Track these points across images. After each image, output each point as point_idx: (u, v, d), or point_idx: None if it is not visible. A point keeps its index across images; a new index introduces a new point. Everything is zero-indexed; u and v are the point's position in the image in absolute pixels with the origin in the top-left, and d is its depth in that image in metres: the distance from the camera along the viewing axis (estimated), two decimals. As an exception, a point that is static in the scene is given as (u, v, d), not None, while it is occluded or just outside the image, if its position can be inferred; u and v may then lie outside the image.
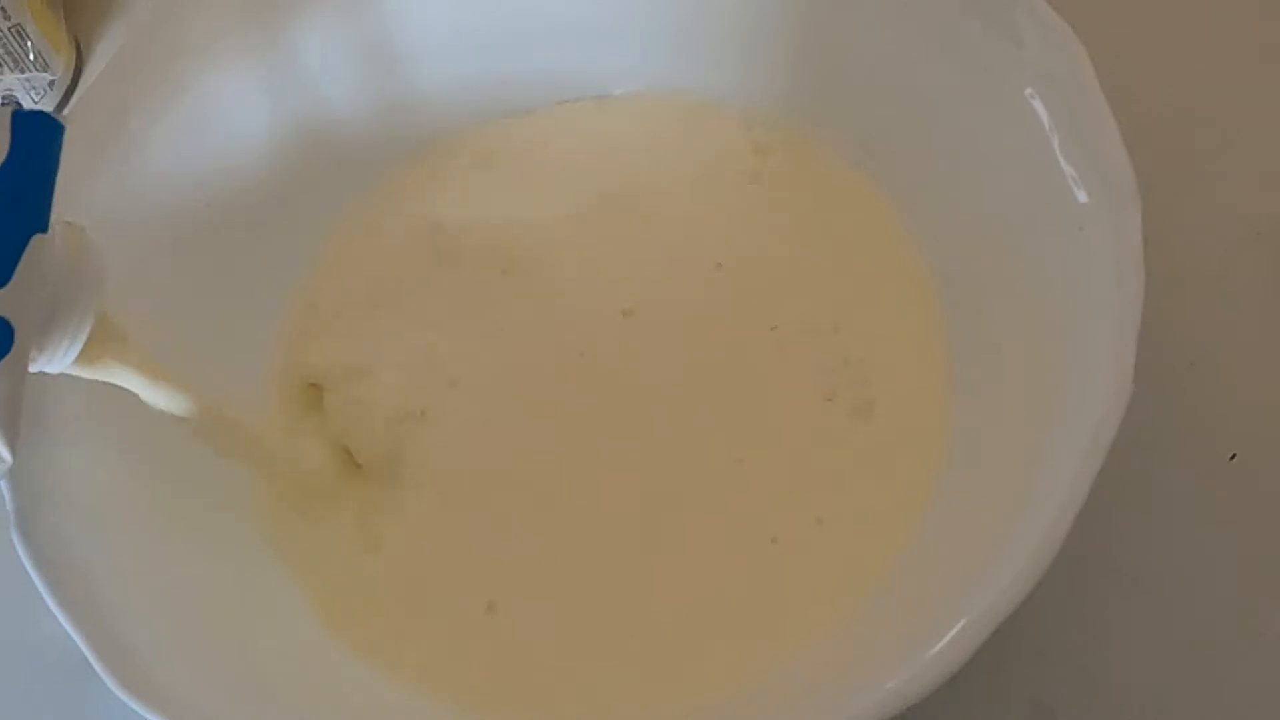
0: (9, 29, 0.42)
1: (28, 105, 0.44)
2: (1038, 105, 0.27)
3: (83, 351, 0.25)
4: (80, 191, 0.30)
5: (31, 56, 0.43)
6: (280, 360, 0.35)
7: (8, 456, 0.23)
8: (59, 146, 0.24)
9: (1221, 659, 0.29)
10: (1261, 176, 0.35)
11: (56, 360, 0.25)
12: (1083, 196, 0.25)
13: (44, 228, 0.24)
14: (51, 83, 0.44)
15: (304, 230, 0.36)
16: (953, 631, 0.22)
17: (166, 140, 0.33)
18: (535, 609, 0.30)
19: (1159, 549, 0.30)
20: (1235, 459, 0.31)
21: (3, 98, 0.43)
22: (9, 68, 0.42)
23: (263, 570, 0.31)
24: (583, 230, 0.36)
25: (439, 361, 0.34)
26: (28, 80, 0.43)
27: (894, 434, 0.30)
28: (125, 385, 0.27)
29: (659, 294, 0.34)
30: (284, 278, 0.36)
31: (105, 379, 0.27)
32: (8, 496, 0.27)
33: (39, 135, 0.24)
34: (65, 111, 0.45)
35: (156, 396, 0.28)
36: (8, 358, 0.23)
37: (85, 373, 0.26)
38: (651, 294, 0.34)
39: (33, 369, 0.24)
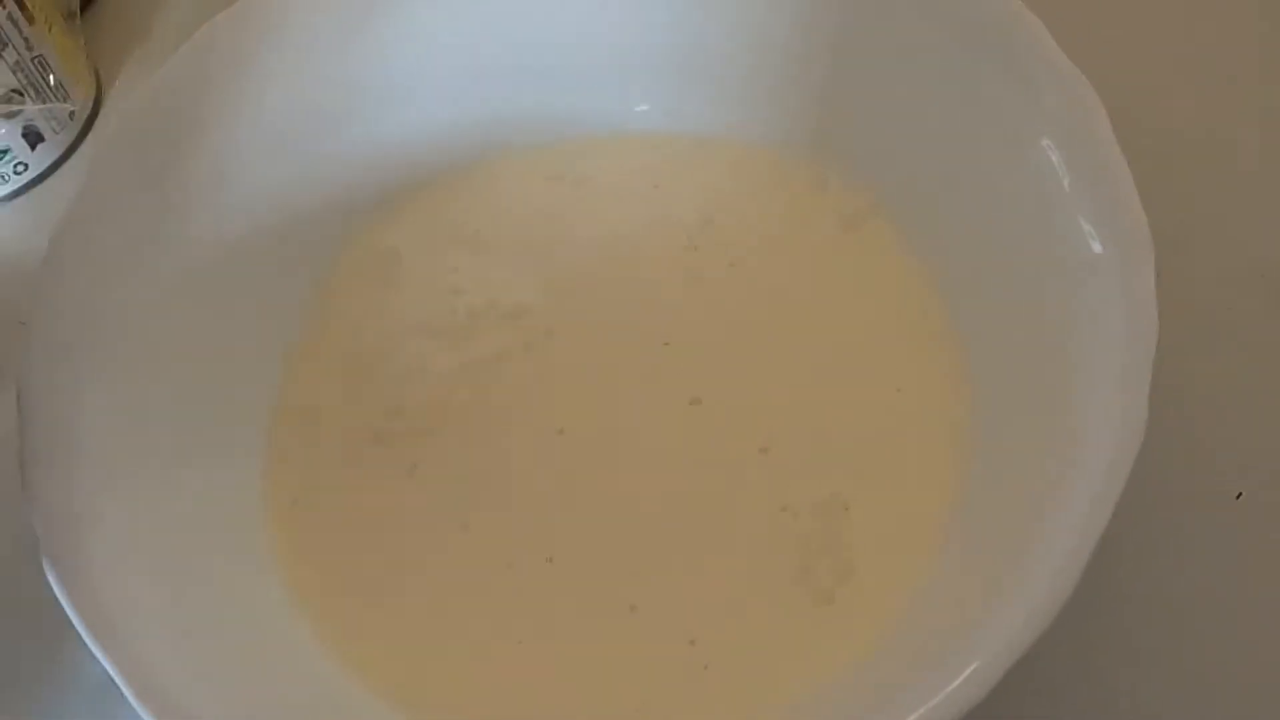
0: (32, 59, 0.42)
1: (47, 136, 0.44)
2: (1054, 156, 0.27)
3: None
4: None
5: (53, 85, 0.44)
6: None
7: None
8: None
9: (1231, 694, 0.29)
10: (1268, 217, 0.36)
11: None
12: (1097, 247, 0.26)
13: None
14: (71, 113, 0.45)
15: (305, 268, 0.37)
16: (962, 675, 0.22)
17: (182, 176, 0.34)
18: (553, 651, 0.30)
19: (1168, 585, 0.31)
20: (1241, 497, 0.31)
21: (23, 127, 0.43)
22: (31, 97, 0.43)
23: (282, 608, 0.31)
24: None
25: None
26: (48, 111, 0.44)
27: (857, 615, 0.29)
28: None
29: (669, 365, 0.34)
30: (287, 301, 0.37)
31: None
32: (37, 527, 0.27)
33: None
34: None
35: None
36: None
37: None
38: (658, 363, 0.34)
39: None
